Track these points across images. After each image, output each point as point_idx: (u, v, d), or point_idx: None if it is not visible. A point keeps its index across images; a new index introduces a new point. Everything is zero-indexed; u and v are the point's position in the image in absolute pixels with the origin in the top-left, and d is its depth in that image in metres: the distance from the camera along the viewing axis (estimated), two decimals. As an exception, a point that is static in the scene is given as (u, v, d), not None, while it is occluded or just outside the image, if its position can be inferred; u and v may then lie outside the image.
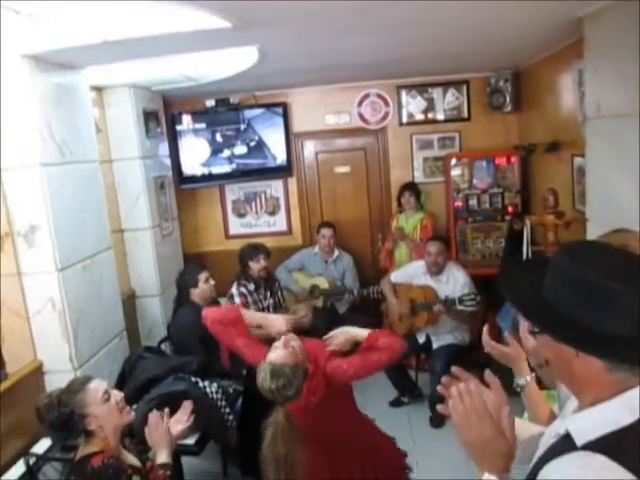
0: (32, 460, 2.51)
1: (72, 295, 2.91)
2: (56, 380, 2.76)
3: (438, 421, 3.91)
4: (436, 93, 5.02)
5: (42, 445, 2.68)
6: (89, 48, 2.61)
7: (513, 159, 4.66)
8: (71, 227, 2.96)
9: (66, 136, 2.97)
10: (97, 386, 2.01)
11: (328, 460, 2.30)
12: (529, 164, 4.64)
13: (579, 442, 0.96)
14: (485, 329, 1.74)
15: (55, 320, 2.86)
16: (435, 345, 4.05)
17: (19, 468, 2.50)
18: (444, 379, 1.17)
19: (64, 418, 1.90)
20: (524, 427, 1.24)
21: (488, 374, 1.16)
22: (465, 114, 5.00)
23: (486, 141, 4.91)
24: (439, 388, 1.18)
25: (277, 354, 2.13)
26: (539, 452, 1.07)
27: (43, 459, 2.56)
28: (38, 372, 2.88)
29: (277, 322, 2.58)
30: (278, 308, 4.15)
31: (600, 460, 0.91)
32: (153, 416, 2.16)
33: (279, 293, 4.26)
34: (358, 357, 2.32)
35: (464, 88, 4.97)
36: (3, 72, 2.66)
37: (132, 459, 2.10)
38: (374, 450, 2.45)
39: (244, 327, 2.51)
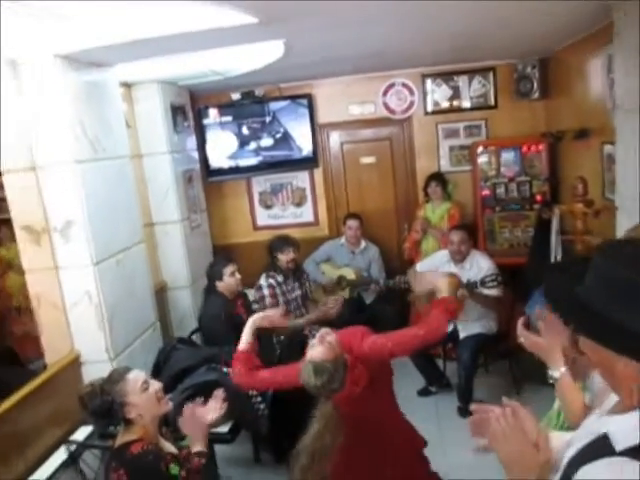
0: (73, 447, 2.61)
1: (107, 288, 3.00)
2: (93, 370, 2.86)
3: (466, 411, 3.92)
4: (462, 81, 4.97)
5: (82, 433, 2.79)
6: (120, 47, 2.66)
7: (541, 147, 4.58)
8: (105, 222, 3.04)
9: (98, 133, 3.04)
10: (136, 376, 2.09)
11: (368, 448, 2.34)
12: (557, 152, 4.57)
13: (618, 447, 0.95)
14: (521, 320, 1.75)
15: (91, 312, 2.95)
16: (462, 334, 4.05)
17: (61, 455, 2.61)
18: (470, 420, 1.31)
19: (106, 406, 1.98)
20: (559, 438, 1.26)
21: (507, 401, 1.23)
22: (492, 102, 4.94)
23: (513, 129, 4.85)
24: (470, 429, 1.31)
25: (316, 351, 2.17)
26: (575, 447, 1.09)
27: (83, 446, 2.67)
28: (76, 363, 2.98)
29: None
30: (306, 299, 4.21)
31: (637, 468, 0.90)
32: (188, 407, 2.24)
33: (307, 284, 4.30)
34: (397, 333, 2.37)
35: (490, 75, 4.91)
36: (37, 72, 2.74)
37: (169, 447, 2.18)
38: (402, 436, 2.50)
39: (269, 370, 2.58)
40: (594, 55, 3.53)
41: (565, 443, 1.18)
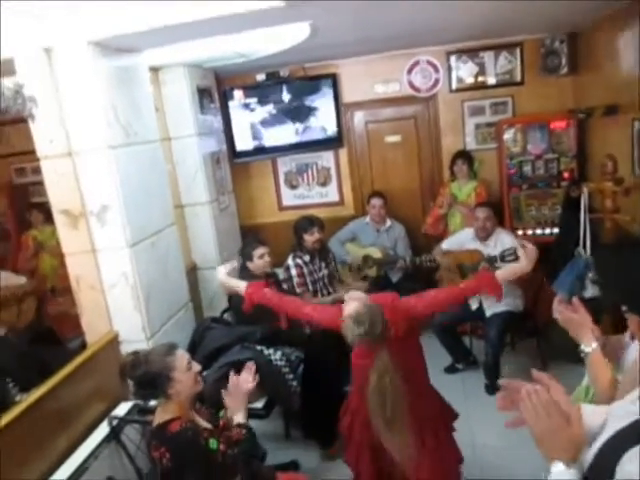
0: (114, 422, 2.72)
1: (142, 269, 3.08)
2: (131, 349, 2.93)
3: (493, 388, 3.97)
4: (487, 57, 4.90)
5: (122, 409, 2.90)
6: (150, 32, 2.69)
7: (569, 123, 4.52)
8: (139, 205, 3.11)
9: (130, 118, 3.09)
10: (183, 354, 2.19)
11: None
12: (585, 129, 4.51)
13: None
14: (557, 298, 1.79)
15: (128, 293, 3.03)
16: (489, 313, 4.08)
17: (103, 430, 2.72)
18: (498, 395, 1.34)
19: (151, 376, 2.07)
20: (591, 413, 1.30)
21: (537, 374, 1.28)
22: (518, 78, 4.87)
23: (540, 105, 4.77)
24: (499, 406, 1.34)
25: (350, 306, 2.28)
26: (613, 428, 1.13)
27: (124, 421, 2.78)
28: (114, 342, 3.08)
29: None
30: (332, 278, 4.27)
31: None
32: (232, 381, 2.34)
33: (333, 263, 4.36)
34: (428, 295, 2.54)
35: (517, 51, 4.83)
36: (70, 59, 2.79)
37: (204, 423, 2.27)
38: (432, 402, 2.66)
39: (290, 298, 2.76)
40: (625, 29, 3.47)
41: (598, 416, 1.22)
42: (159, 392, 2.11)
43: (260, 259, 3.60)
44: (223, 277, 3.01)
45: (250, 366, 2.47)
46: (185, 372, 2.15)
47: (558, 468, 1.18)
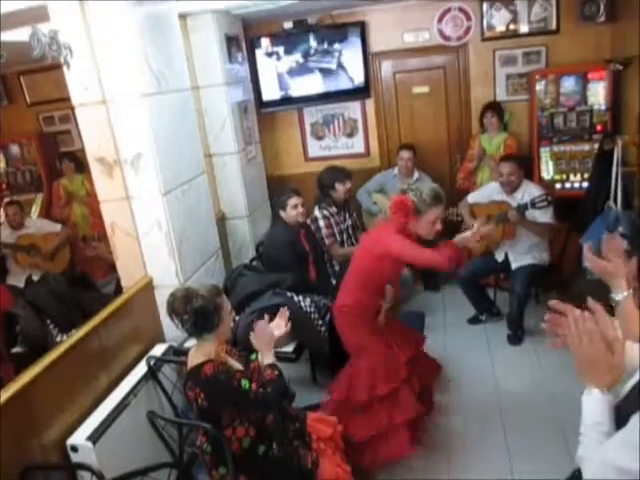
0: (152, 362, 2.84)
1: (175, 217, 3.13)
2: (165, 294, 3.00)
3: (516, 339, 4.02)
4: (521, 4, 4.73)
5: (158, 349, 3.02)
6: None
7: (604, 74, 4.38)
8: (171, 154, 3.14)
9: (161, 66, 3.09)
10: (227, 299, 2.29)
11: None
12: (622, 80, 4.37)
13: None
14: (586, 246, 1.80)
15: (162, 240, 3.10)
16: (514, 265, 4.08)
17: (141, 369, 2.85)
18: (546, 316, 1.33)
19: (208, 311, 2.17)
20: (633, 347, 1.34)
21: (592, 302, 1.29)
22: (553, 26, 4.71)
23: (575, 55, 4.63)
24: (544, 326, 1.34)
25: None
26: None
27: (161, 360, 2.90)
28: (149, 287, 3.17)
29: None
30: (356, 229, 4.31)
31: None
32: (260, 324, 2.43)
33: (355, 214, 4.40)
34: (416, 245, 2.68)
35: (553, -3, 4.67)
36: (102, 6, 2.78)
37: (236, 364, 2.37)
38: None
39: None
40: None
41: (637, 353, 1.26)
42: (212, 325, 2.20)
43: (293, 209, 3.65)
44: None
45: (284, 312, 2.55)
46: (229, 314, 2.27)
47: (594, 393, 1.24)
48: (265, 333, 2.43)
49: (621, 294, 1.69)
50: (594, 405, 1.25)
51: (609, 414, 1.22)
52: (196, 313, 2.16)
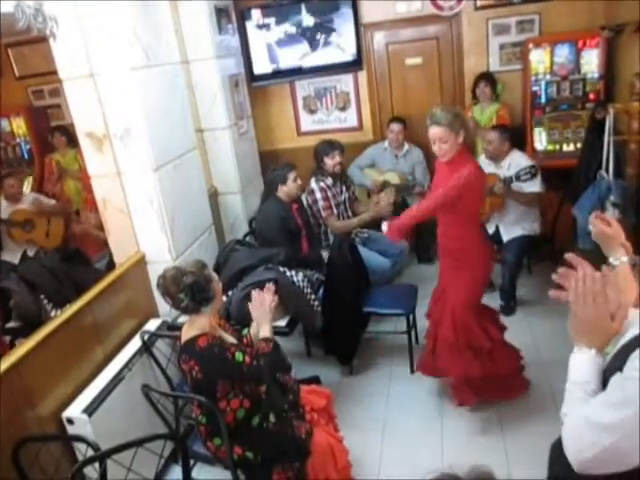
0: (146, 336, 2.86)
1: (166, 193, 3.12)
2: (158, 269, 3.00)
3: (509, 309, 4.06)
4: (515, -30, 4.67)
5: (152, 324, 3.05)
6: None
7: (598, 41, 4.33)
8: (161, 129, 3.11)
9: (150, 39, 3.04)
10: (212, 271, 2.30)
11: None
12: (616, 47, 4.32)
13: None
14: (595, 213, 1.79)
15: (153, 216, 3.10)
16: (505, 238, 4.11)
17: (135, 343, 2.87)
18: (561, 270, 1.32)
19: (202, 282, 2.19)
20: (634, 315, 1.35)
21: (605, 269, 1.32)
22: (547, -8, 4.65)
23: (569, 23, 4.55)
24: (555, 277, 1.32)
25: None
26: (634, 331, 1.19)
27: (155, 335, 2.92)
28: (142, 262, 3.18)
29: None
30: (352, 202, 4.31)
31: None
32: (257, 296, 2.46)
33: (352, 187, 4.40)
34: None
35: (548, -38, 4.58)
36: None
37: (229, 337, 2.40)
38: None
39: None
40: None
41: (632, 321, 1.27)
42: (210, 298, 2.23)
43: (294, 182, 3.69)
44: None
45: (269, 287, 2.58)
46: (218, 284, 2.29)
47: (585, 354, 1.25)
48: (264, 305, 2.47)
49: (618, 259, 1.69)
50: (584, 364, 1.26)
51: (597, 375, 1.23)
52: (192, 288, 2.18)
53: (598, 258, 1.77)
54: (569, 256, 1.31)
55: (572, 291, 1.26)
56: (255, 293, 2.52)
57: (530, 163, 3.89)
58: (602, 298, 1.22)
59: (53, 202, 4.72)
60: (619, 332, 1.24)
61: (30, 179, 5.42)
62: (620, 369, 1.12)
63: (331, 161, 4.04)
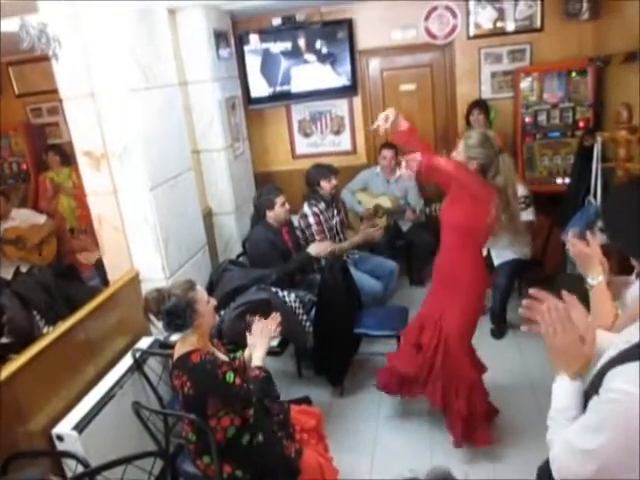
0: (138, 354, 2.87)
1: (162, 212, 3.16)
2: (151, 287, 3.07)
3: (499, 333, 4.09)
4: (507, 2, 4.79)
5: (145, 342, 3.05)
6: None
7: (587, 71, 4.44)
8: (158, 149, 3.16)
9: (149, 61, 3.11)
10: (201, 289, 2.30)
11: None
12: (604, 77, 4.44)
13: None
14: (571, 232, 1.85)
15: (148, 234, 3.13)
16: (497, 262, 4.15)
17: (127, 361, 2.87)
18: (524, 302, 1.37)
19: (180, 308, 2.19)
20: (605, 338, 1.39)
21: (565, 294, 1.34)
22: (538, 24, 4.75)
23: (559, 53, 4.68)
24: (521, 311, 1.38)
25: None
26: (613, 351, 1.22)
27: (147, 353, 2.92)
28: (135, 280, 3.20)
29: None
30: (344, 226, 4.35)
31: None
32: (259, 324, 2.50)
33: (343, 211, 4.44)
34: None
35: (538, -5, 4.72)
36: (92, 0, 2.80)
37: (222, 356, 2.41)
38: None
39: None
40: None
41: (608, 341, 1.31)
42: (187, 322, 2.24)
43: (282, 207, 3.71)
44: None
45: (276, 316, 2.60)
46: (206, 305, 2.29)
47: (563, 380, 1.30)
48: (263, 334, 2.49)
49: (596, 279, 1.74)
50: (563, 391, 1.30)
51: (577, 400, 1.27)
52: (168, 314, 2.20)
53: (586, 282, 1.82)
54: (532, 291, 1.36)
55: (542, 324, 1.31)
56: (260, 323, 2.54)
57: (525, 193, 3.95)
58: (570, 325, 1.27)
59: (44, 219, 4.73)
60: (593, 354, 1.28)
61: (24, 195, 5.44)
62: (597, 391, 1.16)
63: (328, 185, 4.10)
